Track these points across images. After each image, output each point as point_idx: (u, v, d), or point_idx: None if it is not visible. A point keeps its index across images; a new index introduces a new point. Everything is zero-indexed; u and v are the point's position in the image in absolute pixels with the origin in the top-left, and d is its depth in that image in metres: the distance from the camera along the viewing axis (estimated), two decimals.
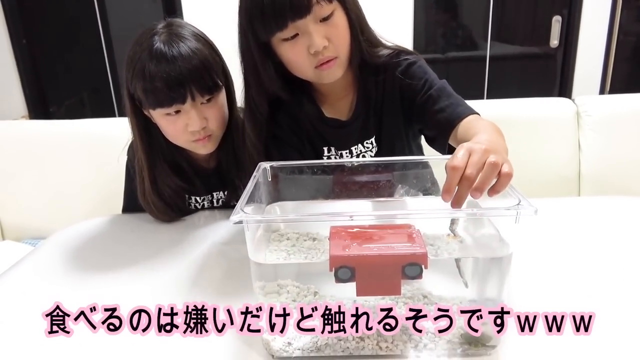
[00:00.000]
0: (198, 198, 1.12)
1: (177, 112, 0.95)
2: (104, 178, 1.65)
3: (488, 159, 0.57)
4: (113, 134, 1.66)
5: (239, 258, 0.85)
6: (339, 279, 0.57)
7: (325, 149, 1.03)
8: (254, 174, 0.70)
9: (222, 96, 1.01)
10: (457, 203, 0.57)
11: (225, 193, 1.13)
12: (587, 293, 0.73)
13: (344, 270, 0.57)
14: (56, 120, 1.77)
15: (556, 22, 2.29)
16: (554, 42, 2.32)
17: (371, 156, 1.01)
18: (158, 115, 0.97)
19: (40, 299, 0.79)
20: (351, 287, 0.57)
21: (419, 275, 0.56)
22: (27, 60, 2.36)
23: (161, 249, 0.94)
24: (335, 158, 1.03)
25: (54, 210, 1.63)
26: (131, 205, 1.14)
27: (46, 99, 2.51)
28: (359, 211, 0.64)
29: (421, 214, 0.59)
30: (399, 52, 1.02)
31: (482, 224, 0.65)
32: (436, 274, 0.62)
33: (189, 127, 0.96)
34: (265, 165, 0.74)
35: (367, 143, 1.02)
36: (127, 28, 2.42)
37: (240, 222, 0.57)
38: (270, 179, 0.74)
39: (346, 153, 1.03)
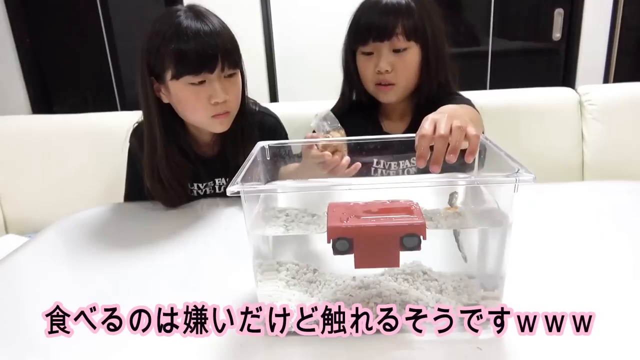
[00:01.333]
0: (200, 185, 1.13)
1: (202, 82, 0.97)
2: (107, 172, 1.65)
3: (453, 124, 0.62)
4: (116, 128, 1.66)
5: (241, 244, 0.85)
6: (337, 251, 0.56)
7: (375, 160, 1.03)
8: (252, 151, 0.70)
9: (240, 77, 1.04)
10: (435, 163, 0.61)
11: (227, 180, 1.13)
12: (589, 284, 0.71)
13: (341, 242, 0.56)
14: (59, 115, 1.78)
15: (558, 14, 2.28)
16: (557, 35, 2.31)
17: (415, 172, 1.03)
18: (180, 86, 0.97)
19: (37, 288, 0.79)
20: (350, 262, 0.57)
21: (417, 246, 0.56)
22: (31, 59, 2.37)
23: (162, 237, 0.94)
24: (382, 170, 1.04)
25: (57, 204, 1.63)
26: (133, 191, 1.16)
27: (50, 97, 2.52)
28: (356, 183, 0.63)
29: (420, 183, 0.58)
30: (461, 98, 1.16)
31: (481, 196, 0.64)
32: (436, 249, 0.62)
33: (213, 98, 0.98)
34: (264, 144, 0.74)
35: (413, 159, 1.04)
36: (129, 27, 2.43)
37: (238, 193, 0.56)
38: (269, 158, 0.74)
39: (394, 164, 1.03)
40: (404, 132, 1.16)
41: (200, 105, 0.99)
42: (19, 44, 2.31)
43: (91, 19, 2.38)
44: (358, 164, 0.81)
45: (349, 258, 0.57)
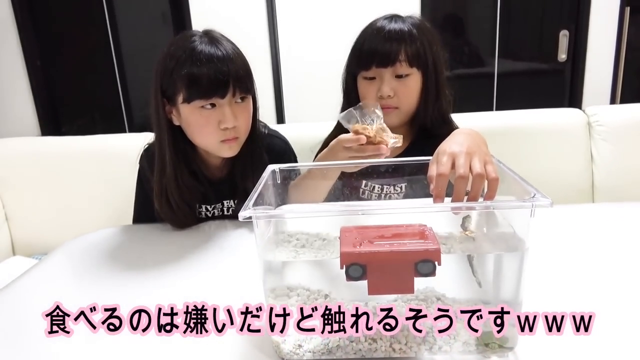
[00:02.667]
0: (209, 206, 1.13)
1: (213, 106, 0.98)
2: (115, 194, 1.65)
3: (473, 164, 0.61)
4: (124, 150, 1.68)
5: (250, 267, 0.84)
6: (350, 277, 0.55)
7: (364, 181, 1.04)
8: (263, 175, 0.69)
9: (251, 103, 1.05)
10: (453, 201, 0.60)
11: (235, 202, 1.13)
12: (596, 297, 0.71)
13: (355, 268, 0.55)
14: (67, 137, 1.79)
15: (563, 36, 2.30)
16: (562, 56, 2.32)
17: (397, 198, 1.06)
18: (191, 110, 0.98)
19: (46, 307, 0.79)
20: (363, 287, 0.56)
21: (432, 272, 0.55)
22: (41, 81, 2.41)
23: (170, 259, 0.93)
24: (369, 192, 1.05)
25: (65, 226, 1.64)
26: (142, 212, 1.16)
27: (59, 118, 2.55)
28: (369, 207, 0.63)
29: (435, 208, 0.58)
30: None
31: (496, 220, 0.63)
32: (450, 275, 0.61)
33: (222, 123, 0.98)
34: (275, 167, 0.74)
35: (397, 187, 1.06)
36: (139, 50, 2.46)
37: (250, 218, 0.56)
38: (279, 182, 0.74)
39: (378, 187, 1.04)
40: (401, 156, 1.16)
41: (210, 130, 0.99)
42: (30, 65, 2.35)
43: (101, 41, 2.42)
44: (384, 147, 0.84)
45: (362, 284, 0.56)
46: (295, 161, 1.23)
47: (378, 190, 1.05)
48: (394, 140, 0.87)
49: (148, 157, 1.12)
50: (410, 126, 1.18)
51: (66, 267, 0.96)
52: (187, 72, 0.95)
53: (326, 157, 0.91)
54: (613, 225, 0.98)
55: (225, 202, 1.13)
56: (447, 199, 0.62)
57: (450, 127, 1.15)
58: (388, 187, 1.05)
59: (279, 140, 1.20)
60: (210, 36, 1.00)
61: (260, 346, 0.63)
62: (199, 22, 2.23)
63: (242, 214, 0.55)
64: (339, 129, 1.10)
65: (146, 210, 1.11)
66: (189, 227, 1.08)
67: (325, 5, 2.17)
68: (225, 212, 1.14)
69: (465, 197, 0.61)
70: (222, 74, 0.95)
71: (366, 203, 0.79)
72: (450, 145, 0.65)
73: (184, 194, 1.05)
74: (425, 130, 1.15)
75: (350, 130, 0.87)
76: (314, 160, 1.06)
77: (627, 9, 2.20)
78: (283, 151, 1.19)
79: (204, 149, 1.07)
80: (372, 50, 1.08)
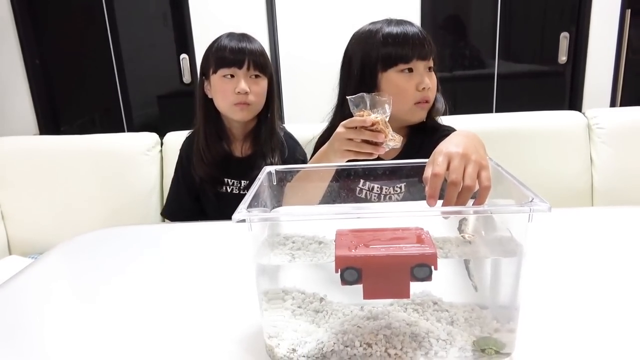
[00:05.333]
0: (229, 180, 1.36)
1: (232, 76, 1.27)
2: (112, 193, 1.65)
3: (465, 175, 0.60)
4: (122, 149, 1.67)
5: (245, 270, 0.84)
6: (345, 281, 0.55)
7: (362, 181, 1.03)
8: (259, 176, 0.69)
9: (265, 83, 1.32)
10: (444, 205, 0.59)
11: (250, 183, 1.30)
12: (600, 307, 0.71)
13: (350, 272, 0.55)
14: (64, 136, 1.78)
15: (564, 38, 2.29)
16: (562, 58, 2.31)
17: (397, 199, 1.06)
18: (217, 78, 1.29)
19: (39, 311, 0.78)
20: (359, 291, 0.55)
21: (428, 277, 0.54)
22: (40, 80, 2.40)
23: (166, 261, 0.93)
24: (368, 192, 1.04)
25: (62, 226, 1.63)
26: (173, 206, 1.46)
27: (58, 118, 2.54)
28: (365, 210, 0.62)
29: (432, 212, 0.57)
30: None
31: (493, 224, 0.62)
32: (446, 279, 0.60)
33: (237, 88, 1.26)
34: (270, 169, 0.73)
35: (396, 187, 1.05)
36: (138, 49, 2.45)
37: (243, 220, 0.55)
38: (275, 183, 0.73)
39: (377, 187, 1.03)
40: (399, 157, 1.17)
41: (227, 94, 1.28)
42: (29, 65, 2.34)
43: (100, 41, 2.41)
44: (382, 135, 0.85)
45: (357, 287, 0.55)
46: (304, 157, 1.40)
47: (377, 191, 1.04)
48: (394, 143, 0.85)
49: (189, 143, 1.41)
50: (405, 127, 1.20)
51: (61, 267, 0.95)
52: (217, 48, 1.29)
53: (324, 151, 0.93)
54: (612, 229, 0.97)
55: (242, 181, 1.34)
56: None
57: (440, 125, 1.21)
58: (387, 187, 1.04)
59: (291, 140, 1.41)
60: (239, 33, 1.32)
61: (253, 350, 0.63)
62: (198, 22, 2.22)
63: (236, 217, 0.54)
64: (332, 129, 1.11)
65: (178, 204, 1.42)
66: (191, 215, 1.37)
67: (324, 6, 2.16)
68: (242, 191, 1.34)
69: None
70: (241, 50, 1.27)
71: (363, 205, 0.78)
72: (448, 146, 0.64)
73: (212, 151, 1.33)
74: (419, 129, 1.19)
75: (355, 115, 0.87)
76: (311, 157, 1.06)
77: (628, 11, 2.19)
78: (294, 147, 1.40)
79: (228, 120, 1.35)
80: (409, 44, 1.11)
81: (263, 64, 1.30)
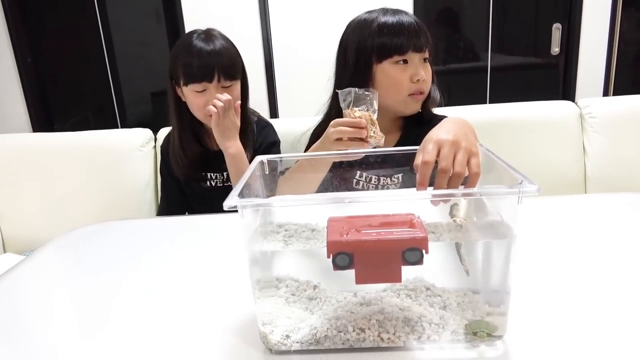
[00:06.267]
0: (211, 174, 1.36)
1: (204, 90, 1.24)
2: (106, 190, 1.64)
3: (455, 162, 0.61)
4: (114, 146, 1.67)
5: (239, 260, 0.84)
6: (337, 266, 0.55)
7: (358, 172, 1.03)
8: (250, 165, 0.69)
9: (239, 86, 1.30)
10: (433, 189, 0.61)
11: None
12: (590, 290, 0.71)
13: (342, 257, 0.55)
14: (57, 133, 1.78)
15: (556, 29, 2.30)
16: (555, 49, 2.32)
17: (394, 188, 1.06)
18: (188, 91, 1.26)
19: (33, 306, 0.78)
20: (352, 278, 0.55)
21: (419, 261, 0.54)
22: (32, 79, 2.39)
23: (159, 254, 0.93)
24: (365, 183, 1.05)
25: (56, 223, 1.62)
26: (168, 204, 1.46)
27: (51, 117, 2.53)
28: (356, 196, 0.62)
29: (422, 196, 0.57)
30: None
31: (484, 209, 0.63)
32: (439, 265, 0.60)
33: (210, 102, 1.21)
34: (263, 158, 0.73)
35: (394, 178, 1.06)
36: (130, 47, 2.45)
37: (235, 208, 0.55)
38: (267, 172, 0.73)
39: (375, 178, 1.04)
40: (396, 145, 1.18)
41: (201, 108, 1.25)
42: (20, 63, 2.33)
43: (93, 39, 2.40)
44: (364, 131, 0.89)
45: (350, 274, 0.55)
46: (277, 141, 1.43)
47: (375, 182, 1.05)
48: (376, 141, 0.89)
49: (168, 141, 1.40)
50: (399, 118, 1.20)
51: (54, 261, 0.95)
52: (183, 62, 1.24)
53: (316, 148, 0.93)
54: (605, 216, 0.97)
55: (225, 173, 1.34)
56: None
57: (435, 115, 1.20)
58: (385, 178, 1.05)
59: (262, 123, 1.44)
60: (207, 33, 1.27)
61: (247, 337, 0.63)
62: (191, 19, 2.22)
63: (227, 203, 0.54)
64: (327, 121, 1.11)
65: (172, 202, 1.42)
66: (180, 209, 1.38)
67: (317, 0, 2.16)
68: (225, 182, 1.36)
69: None
70: (209, 64, 1.22)
71: (354, 193, 0.79)
72: (438, 133, 0.64)
73: (187, 153, 1.32)
74: (414, 120, 1.19)
75: (343, 110, 0.89)
76: (305, 150, 1.06)
77: (620, 2, 2.20)
78: (266, 131, 1.42)
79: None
80: (405, 35, 1.10)
81: (233, 72, 1.26)
